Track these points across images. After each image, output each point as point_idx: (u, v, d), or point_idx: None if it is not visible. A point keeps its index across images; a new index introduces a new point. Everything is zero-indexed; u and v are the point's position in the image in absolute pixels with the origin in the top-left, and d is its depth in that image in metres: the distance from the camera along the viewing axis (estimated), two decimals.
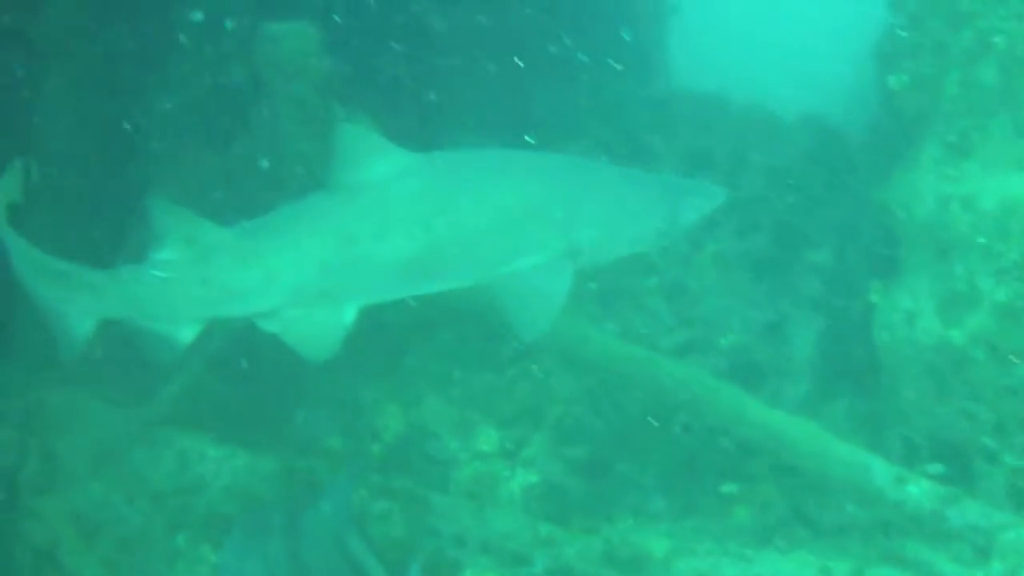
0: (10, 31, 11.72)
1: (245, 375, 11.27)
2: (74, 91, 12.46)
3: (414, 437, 11.21)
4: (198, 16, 12.10)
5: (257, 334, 9.35)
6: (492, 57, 13.06)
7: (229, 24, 12.08)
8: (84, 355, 8.86)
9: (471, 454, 11.11)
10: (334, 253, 8.17)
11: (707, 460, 10.43)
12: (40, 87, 12.23)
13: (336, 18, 11.60)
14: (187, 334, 8.46)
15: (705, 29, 16.28)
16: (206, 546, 10.50)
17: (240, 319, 8.60)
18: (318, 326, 8.33)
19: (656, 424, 10.46)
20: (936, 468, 9.75)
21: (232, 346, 10.85)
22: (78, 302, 8.43)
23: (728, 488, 10.32)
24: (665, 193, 9.07)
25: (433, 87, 12.45)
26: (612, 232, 8.79)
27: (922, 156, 10.04)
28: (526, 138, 11.07)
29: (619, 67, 13.87)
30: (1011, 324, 9.50)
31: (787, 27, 16.66)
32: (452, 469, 11.03)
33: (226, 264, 8.18)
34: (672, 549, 9.56)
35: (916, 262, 10.08)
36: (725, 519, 10.32)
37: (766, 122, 13.47)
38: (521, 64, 13.10)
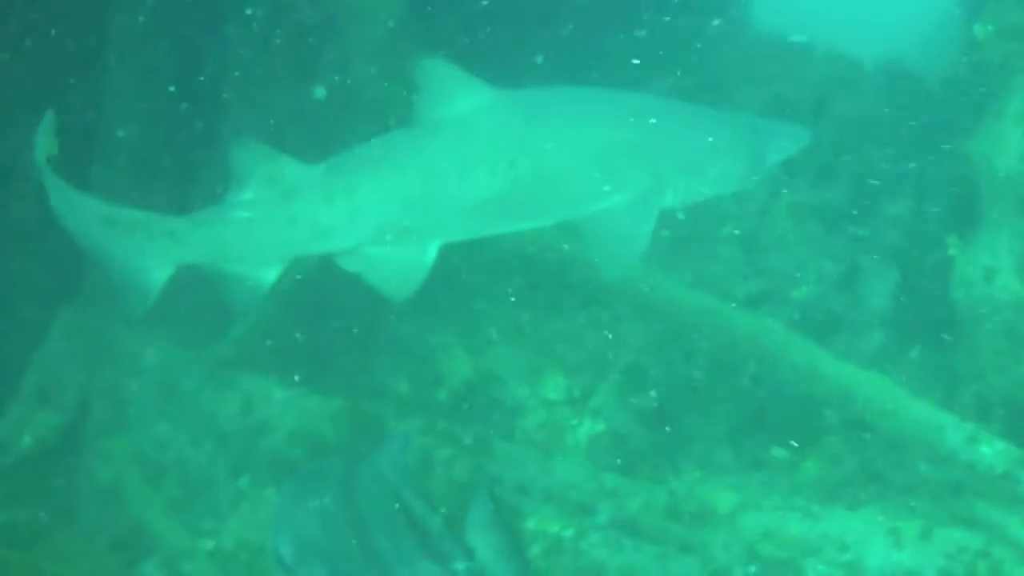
0: None
1: (313, 316, 11.20)
2: (144, 36, 12.23)
3: (481, 383, 11.08)
4: None
5: (326, 274, 9.53)
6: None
7: None
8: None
9: (538, 401, 10.95)
10: (418, 189, 7.99)
11: (776, 413, 10.20)
12: (108, 33, 12.06)
13: None
14: (269, 275, 8.25)
15: None
16: (270, 489, 10.30)
17: (319, 257, 8.46)
18: (400, 264, 8.15)
19: (725, 375, 10.23)
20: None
21: (301, 286, 10.57)
22: (154, 251, 8.10)
23: (797, 442, 10.05)
24: (751, 133, 8.93)
25: (512, 26, 12.10)
26: (698, 172, 8.58)
27: (1007, 108, 9.67)
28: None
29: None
30: None
31: None
32: (518, 416, 10.88)
33: (312, 201, 7.95)
34: (738, 503, 9.18)
35: (996, 217, 9.71)
36: (793, 474, 10.08)
37: (848, 69, 12.98)
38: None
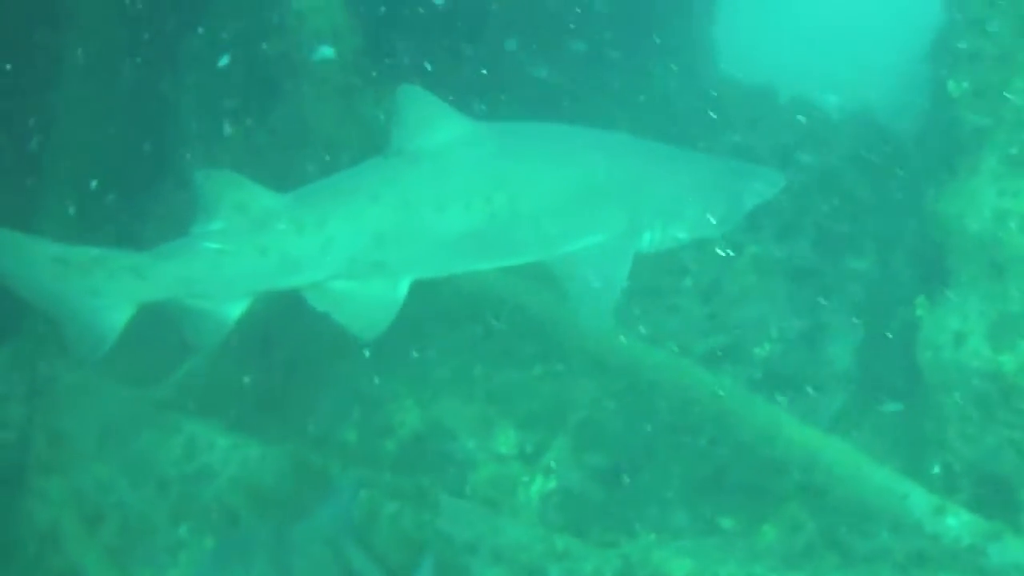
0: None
1: (260, 357, 10.84)
2: (100, 64, 11.84)
3: (430, 435, 10.57)
4: None
5: (273, 311, 9.42)
6: (529, 40, 12.22)
7: None
8: None
9: (489, 455, 10.44)
10: (392, 223, 7.65)
11: (734, 476, 9.71)
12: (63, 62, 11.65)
13: None
14: (235, 310, 7.84)
15: (754, 19, 15.43)
16: (210, 538, 9.90)
17: (283, 292, 7.92)
18: (370, 301, 7.81)
19: (682, 435, 9.78)
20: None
21: (248, 325, 10.00)
22: (114, 290, 7.56)
23: (754, 507, 9.56)
24: (729, 176, 8.72)
25: (470, 67, 11.66)
26: (676, 215, 8.36)
27: (980, 167, 9.22)
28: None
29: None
30: None
31: (837, 20, 15.77)
32: (469, 470, 10.37)
33: (283, 232, 7.54)
34: (693, 570, 8.72)
35: (967, 279, 9.25)
36: (751, 539, 9.56)
37: (813, 119, 12.50)
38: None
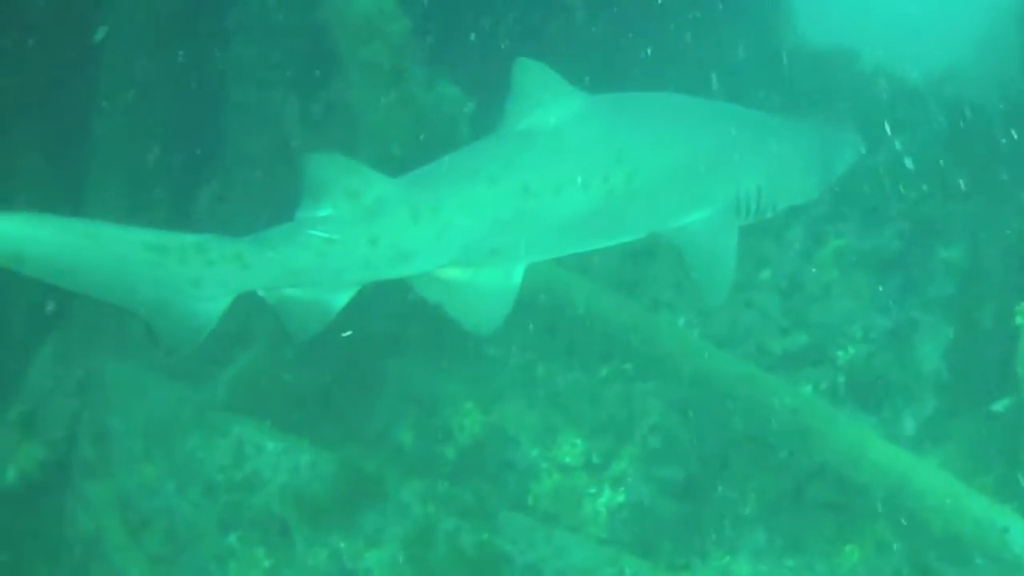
0: None
1: (313, 355, 9.86)
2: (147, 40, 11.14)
3: (491, 441, 9.64)
4: None
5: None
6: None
7: None
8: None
9: (552, 465, 9.53)
10: (510, 207, 6.82)
11: (816, 491, 8.76)
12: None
13: None
14: (340, 300, 6.87)
15: None
16: (260, 549, 9.24)
17: (397, 281, 6.95)
18: (486, 291, 6.99)
19: (759, 446, 8.83)
20: None
21: None
22: (214, 279, 6.57)
23: (838, 526, 8.67)
24: (818, 142, 8.25)
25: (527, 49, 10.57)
26: (774, 184, 7.74)
27: None
28: None
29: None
30: None
31: None
32: (531, 480, 9.48)
33: (396, 219, 6.66)
34: None
35: None
36: (834, 561, 8.69)
37: (897, 92, 11.18)
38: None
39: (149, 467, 9.63)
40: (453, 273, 6.88)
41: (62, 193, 10.86)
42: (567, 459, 9.38)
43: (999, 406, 8.80)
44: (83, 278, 6.46)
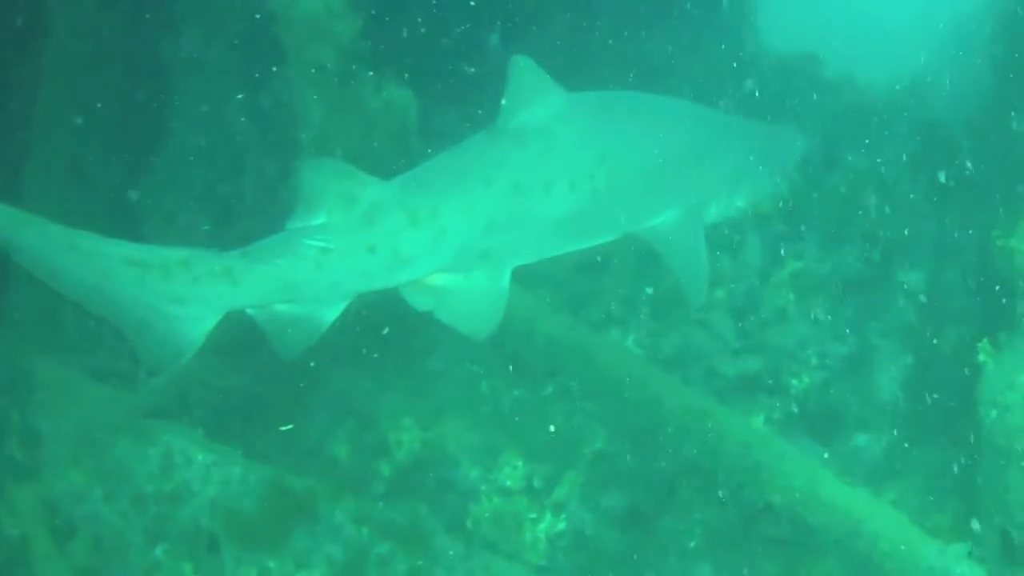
0: None
1: (247, 363, 9.41)
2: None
3: (430, 460, 9.14)
4: None
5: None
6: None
7: None
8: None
9: (493, 487, 9.02)
10: (503, 208, 6.58)
11: (765, 527, 8.26)
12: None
13: None
14: (331, 314, 6.47)
15: None
16: (188, 564, 8.69)
17: (386, 290, 6.60)
18: (478, 296, 6.68)
19: (707, 477, 8.32)
20: None
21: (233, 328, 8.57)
22: (201, 296, 6.12)
23: (786, 562, 8.16)
24: (771, 141, 8.31)
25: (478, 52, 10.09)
26: (737, 184, 7.79)
27: None
28: None
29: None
30: None
31: None
32: (470, 502, 8.97)
33: (395, 225, 6.31)
34: None
35: None
36: None
37: (860, 104, 10.61)
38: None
39: (77, 473, 9.04)
40: (442, 279, 6.56)
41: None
42: (508, 482, 8.87)
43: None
44: (67, 285, 6.04)
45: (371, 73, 8.71)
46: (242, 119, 10.57)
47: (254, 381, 9.40)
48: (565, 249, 7.04)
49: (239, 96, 10.57)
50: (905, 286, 9.22)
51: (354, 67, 8.65)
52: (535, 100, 6.73)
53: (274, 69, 9.48)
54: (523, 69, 6.74)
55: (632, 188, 7.04)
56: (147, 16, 10.67)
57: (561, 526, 8.65)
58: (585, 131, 6.88)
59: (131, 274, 5.98)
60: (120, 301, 6.10)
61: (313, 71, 8.49)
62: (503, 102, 6.71)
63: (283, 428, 8.80)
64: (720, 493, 8.17)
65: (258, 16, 9.33)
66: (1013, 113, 8.06)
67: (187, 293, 6.03)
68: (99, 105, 10.57)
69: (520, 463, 8.89)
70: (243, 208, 10.58)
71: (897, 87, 10.84)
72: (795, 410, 8.72)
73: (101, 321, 6.30)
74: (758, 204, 8.63)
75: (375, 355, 8.93)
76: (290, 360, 6.57)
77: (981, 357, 7.77)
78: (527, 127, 6.70)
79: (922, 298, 9.11)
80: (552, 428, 8.87)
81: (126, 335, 6.24)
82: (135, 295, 6.04)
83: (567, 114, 6.82)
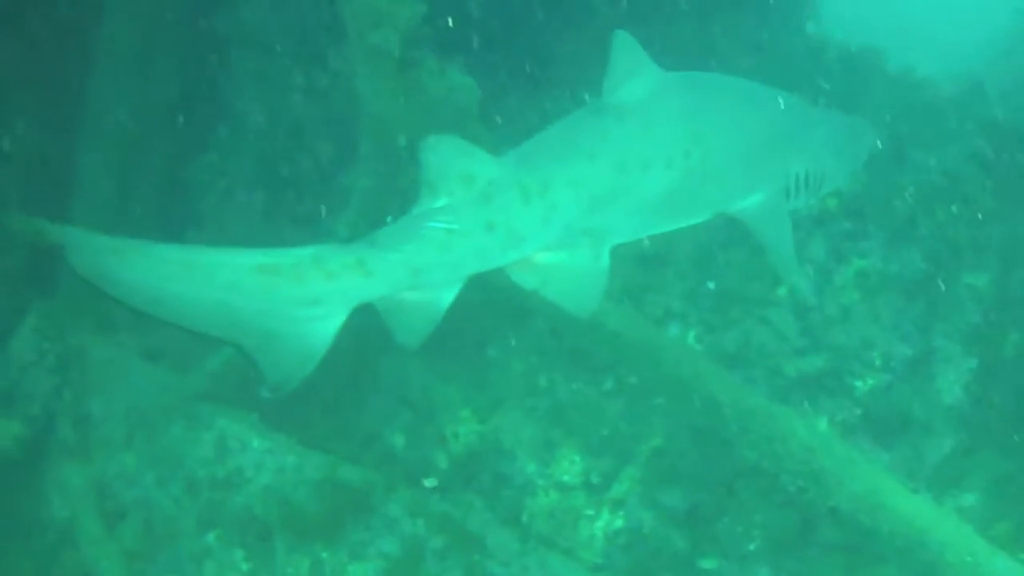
0: None
1: None
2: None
3: (486, 453, 8.93)
4: None
5: None
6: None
7: None
8: None
9: (550, 482, 8.81)
10: (607, 184, 6.41)
11: (826, 532, 8.01)
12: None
13: None
14: (448, 297, 6.24)
15: None
16: (239, 551, 8.54)
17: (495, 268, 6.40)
18: (580, 273, 6.50)
19: (768, 479, 8.09)
20: None
21: None
22: (334, 293, 5.79)
23: (847, 567, 7.94)
24: (848, 130, 8.19)
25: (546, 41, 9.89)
26: (820, 169, 7.64)
27: None
28: None
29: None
30: None
31: None
32: (526, 497, 8.75)
33: (510, 202, 6.14)
34: None
35: None
36: None
37: (924, 101, 10.36)
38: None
39: (129, 455, 8.99)
40: (547, 257, 6.38)
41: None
42: (565, 477, 8.68)
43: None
44: (180, 310, 5.64)
45: (434, 59, 8.57)
46: (301, 98, 10.43)
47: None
48: (659, 229, 6.93)
49: (298, 75, 10.43)
50: (970, 287, 9.05)
51: (416, 53, 8.50)
52: (634, 77, 6.62)
53: (334, 50, 9.37)
54: (624, 45, 6.64)
55: (724, 169, 6.94)
56: None
57: (619, 523, 8.44)
58: (681, 110, 6.78)
59: (262, 283, 5.63)
60: (246, 316, 5.74)
61: (375, 55, 8.32)
62: (605, 77, 6.61)
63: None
64: (782, 496, 7.97)
65: None
66: None
67: (321, 292, 5.71)
68: (154, 83, 10.48)
69: (578, 458, 8.69)
70: (300, 188, 10.46)
71: (961, 83, 10.63)
72: (858, 412, 8.52)
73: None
74: (830, 195, 8.69)
75: (431, 344, 8.77)
76: (412, 348, 6.32)
77: None
78: (627, 104, 6.59)
79: (987, 300, 8.92)
80: (610, 424, 8.74)
81: (248, 352, 5.87)
82: (265, 306, 5.71)
83: (664, 92, 6.71)
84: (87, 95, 10.21)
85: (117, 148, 10.26)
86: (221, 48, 10.70)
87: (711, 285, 9.14)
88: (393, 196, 8.58)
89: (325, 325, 5.83)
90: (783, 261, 7.47)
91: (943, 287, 8.90)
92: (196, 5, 10.51)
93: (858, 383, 8.70)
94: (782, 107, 7.65)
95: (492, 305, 8.69)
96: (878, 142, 8.59)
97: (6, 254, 10.11)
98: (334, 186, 9.92)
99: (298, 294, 5.67)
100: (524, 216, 6.14)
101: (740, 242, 9.12)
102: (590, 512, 8.54)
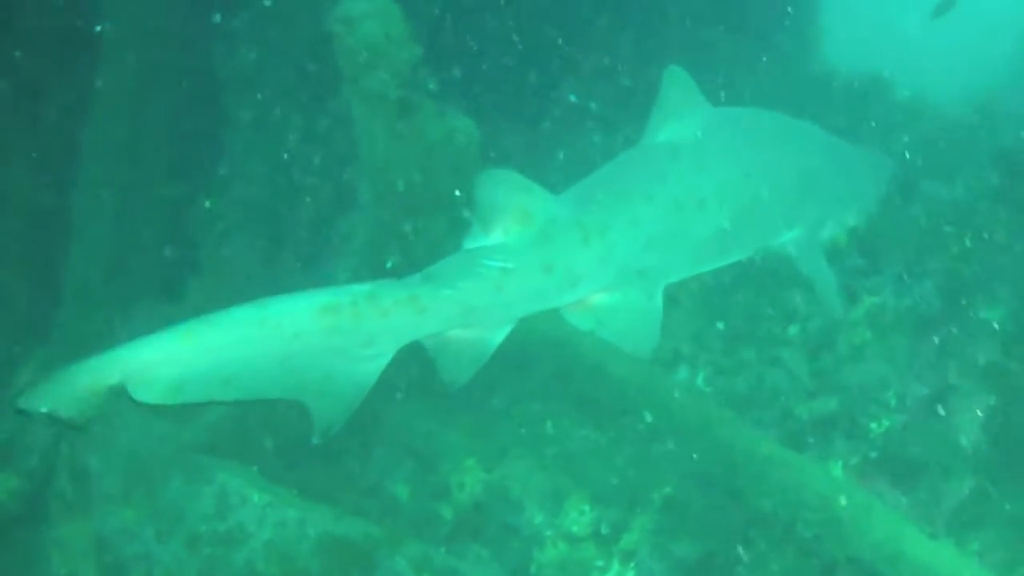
0: None
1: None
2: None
3: (493, 503, 8.61)
4: None
5: None
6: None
7: None
8: None
9: (558, 533, 8.47)
10: (663, 224, 6.40)
11: None
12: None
13: None
14: (498, 337, 6.10)
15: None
16: None
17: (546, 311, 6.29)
18: (635, 314, 6.40)
19: (784, 527, 7.70)
20: None
21: None
22: (388, 331, 5.57)
23: None
24: (870, 162, 8.47)
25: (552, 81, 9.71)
26: (847, 204, 7.94)
27: None
28: None
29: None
30: None
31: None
32: (535, 547, 8.42)
33: (569, 243, 6.03)
34: None
35: None
36: None
37: (938, 131, 10.07)
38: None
39: (129, 510, 8.60)
40: (601, 298, 6.29)
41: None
42: (574, 528, 8.35)
43: None
44: (246, 381, 5.34)
45: (431, 101, 8.31)
46: (299, 142, 10.20)
47: (310, 416, 8.87)
48: (707, 267, 6.89)
49: (296, 117, 10.21)
50: (985, 323, 8.72)
51: (414, 95, 8.24)
52: (684, 113, 6.63)
53: (331, 93, 9.16)
54: (676, 79, 6.66)
55: (770, 205, 6.90)
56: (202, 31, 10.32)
57: (630, 575, 8.18)
58: (731, 148, 6.76)
59: (324, 324, 5.35)
60: (307, 363, 5.48)
61: (371, 98, 8.06)
62: (653, 112, 6.63)
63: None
64: (799, 545, 7.62)
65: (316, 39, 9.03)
66: None
67: (376, 329, 5.49)
68: (152, 123, 10.28)
69: (587, 507, 8.36)
70: (300, 233, 10.23)
71: (970, 111, 10.38)
72: (873, 455, 8.19)
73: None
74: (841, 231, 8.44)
75: (434, 391, 8.50)
76: (457, 388, 6.13)
77: None
78: (678, 141, 6.57)
79: (1003, 335, 8.59)
80: (619, 472, 8.43)
81: (302, 399, 5.67)
82: (325, 348, 5.44)
83: (713, 129, 6.69)
84: (82, 142, 10.03)
85: (113, 195, 10.06)
86: (218, 92, 10.50)
87: (720, 325, 8.87)
88: (393, 241, 8.37)
89: (375, 364, 5.67)
90: (823, 289, 7.61)
91: (957, 323, 8.61)
92: (192, 49, 10.32)
93: (873, 424, 8.33)
94: (816, 141, 7.78)
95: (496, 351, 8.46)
96: (894, 172, 8.69)
97: (6, 304, 9.96)
98: (334, 231, 9.69)
99: (356, 333, 5.44)
100: (583, 257, 6.00)
101: (748, 281, 8.86)
102: (600, 563, 8.23)
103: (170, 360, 5.06)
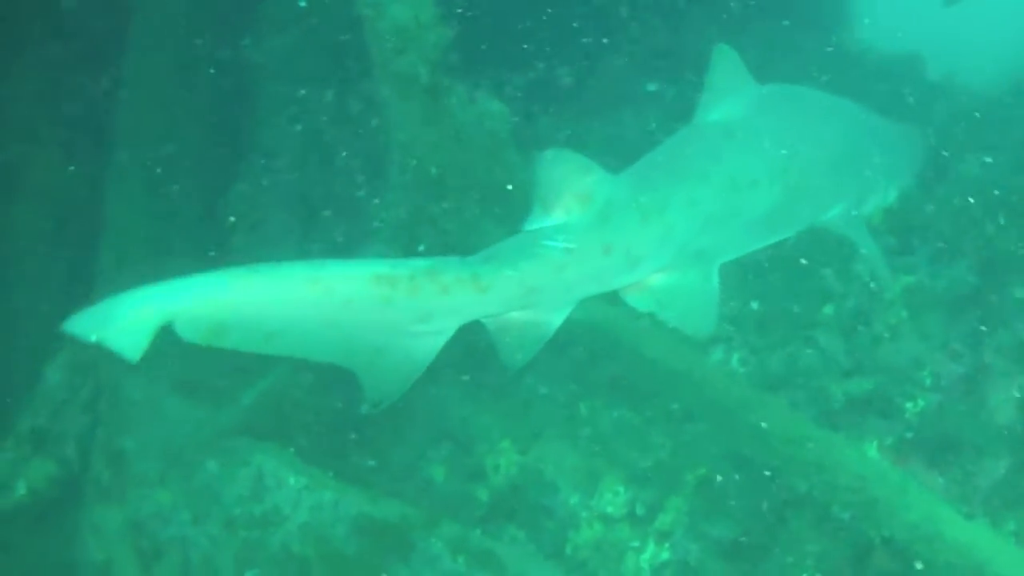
0: None
1: (337, 383, 8.78)
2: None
3: (528, 485, 8.62)
4: None
5: None
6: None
7: None
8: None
9: (593, 514, 8.48)
10: (720, 203, 6.31)
11: (882, 560, 7.53)
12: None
13: None
14: (558, 319, 5.95)
15: None
16: None
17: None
18: (693, 294, 6.27)
19: (819, 508, 7.70)
20: None
21: None
22: (447, 309, 5.45)
23: None
24: (909, 139, 8.60)
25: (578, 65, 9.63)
26: (888, 178, 7.89)
27: None
28: None
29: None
30: None
31: None
32: (570, 529, 8.43)
33: (629, 223, 5.88)
34: None
35: None
36: None
37: (973, 110, 9.98)
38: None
39: (164, 493, 8.73)
40: (659, 279, 6.16)
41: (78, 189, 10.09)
42: (609, 509, 8.36)
43: None
44: (292, 338, 5.22)
45: (463, 85, 8.27)
46: (332, 126, 10.16)
47: (346, 399, 8.80)
48: (758, 245, 6.82)
49: (329, 102, 10.17)
50: (1021, 302, 8.63)
51: (445, 79, 8.20)
52: (734, 91, 6.65)
53: (363, 76, 9.13)
54: (725, 58, 6.66)
55: (819, 182, 6.97)
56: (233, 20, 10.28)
57: (665, 556, 8.13)
58: (780, 126, 6.76)
59: (377, 294, 5.21)
60: (357, 332, 5.37)
61: (402, 82, 8.02)
62: (704, 91, 6.60)
63: None
64: (834, 526, 7.59)
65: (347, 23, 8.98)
66: None
67: (434, 306, 5.37)
68: (182, 114, 10.26)
69: (621, 489, 8.37)
70: (333, 217, 10.19)
71: (1003, 90, 10.27)
72: (909, 435, 8.14)
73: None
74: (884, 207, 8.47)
75: (468, 375, 8.49)
76: (516, 370, 6.04)
77: None
78: (730, 120, 6.58)
79: None
80: (653, 453, 8.40)
81: (355, 370, 5.58)
82: (379, 320, 5.33)
83: (763, 107, 6.73)
84: (115, 129, 10.01)
85: (148, 181, 10.04)
86: (251, 77, 10.47)
87: (755, 305, 8.81)
88: (425, 225, 8.33)
89: (433, 341, 5.53)
90: (873, 261, 7.80)
91: (992, 302, 8.53)
92: (225, 35, 10.28)
93: (908, 404, 8.26)
94: (857, 117, 7.83)
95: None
96: (930, 147, 8.79)
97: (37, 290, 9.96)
98: (367, 215, 9.66)
99: (412, 307, 5.32)
100: (642, 238, 5.90)
101: (782, 261, 8.80)
102: (635, 544, 8.23)
103: (217, 301, 4.95)
